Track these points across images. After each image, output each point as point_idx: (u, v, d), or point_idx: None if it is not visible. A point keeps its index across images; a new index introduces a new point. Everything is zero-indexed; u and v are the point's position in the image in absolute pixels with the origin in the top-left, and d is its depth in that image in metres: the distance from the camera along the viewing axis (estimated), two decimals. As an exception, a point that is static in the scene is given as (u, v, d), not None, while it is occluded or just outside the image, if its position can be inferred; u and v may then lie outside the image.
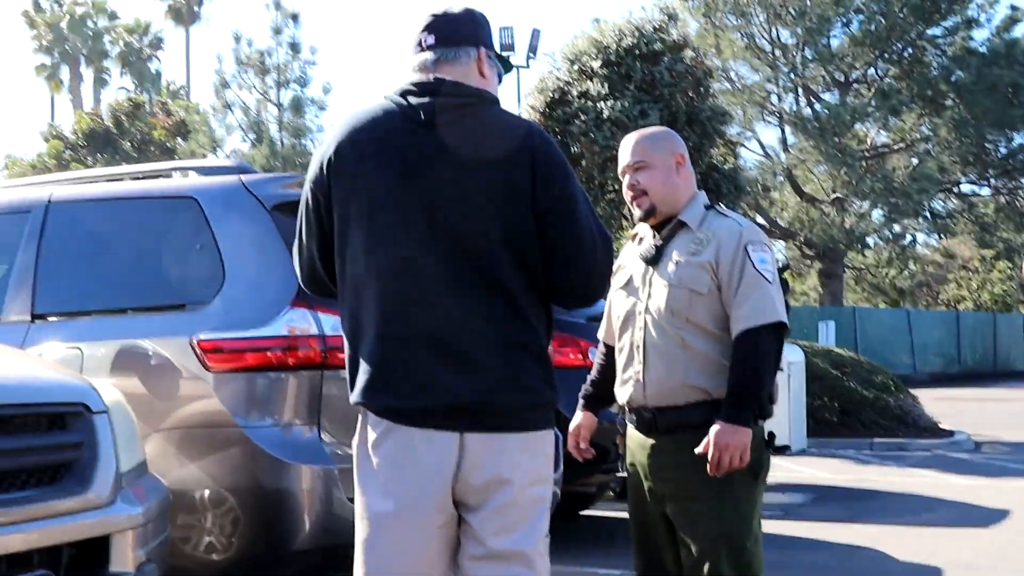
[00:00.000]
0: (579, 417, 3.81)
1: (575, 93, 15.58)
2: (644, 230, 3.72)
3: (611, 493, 9.77)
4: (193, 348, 4.35)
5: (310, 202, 2.97)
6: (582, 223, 2.88)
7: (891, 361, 30.83)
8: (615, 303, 3.72)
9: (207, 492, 4.26)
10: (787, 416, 12.54)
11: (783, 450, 3.70)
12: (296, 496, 4.28)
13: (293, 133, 25.05)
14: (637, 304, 3.59)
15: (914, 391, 16.42)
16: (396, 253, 2.82)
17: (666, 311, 3.50)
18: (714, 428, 3.37)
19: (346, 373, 2.96)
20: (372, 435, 2.88)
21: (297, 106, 24.95)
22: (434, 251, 2.81)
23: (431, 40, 2.97)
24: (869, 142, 31.20)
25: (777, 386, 3.58)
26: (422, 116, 2.88)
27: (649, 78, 15.35)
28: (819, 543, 7.52)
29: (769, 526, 8.16)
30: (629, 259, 3.72)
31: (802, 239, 31.11)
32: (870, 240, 34.50)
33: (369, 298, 2.85)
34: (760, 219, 29.65)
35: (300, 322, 4.36)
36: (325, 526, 4.32)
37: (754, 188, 27.90)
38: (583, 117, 15.20)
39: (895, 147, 31.47)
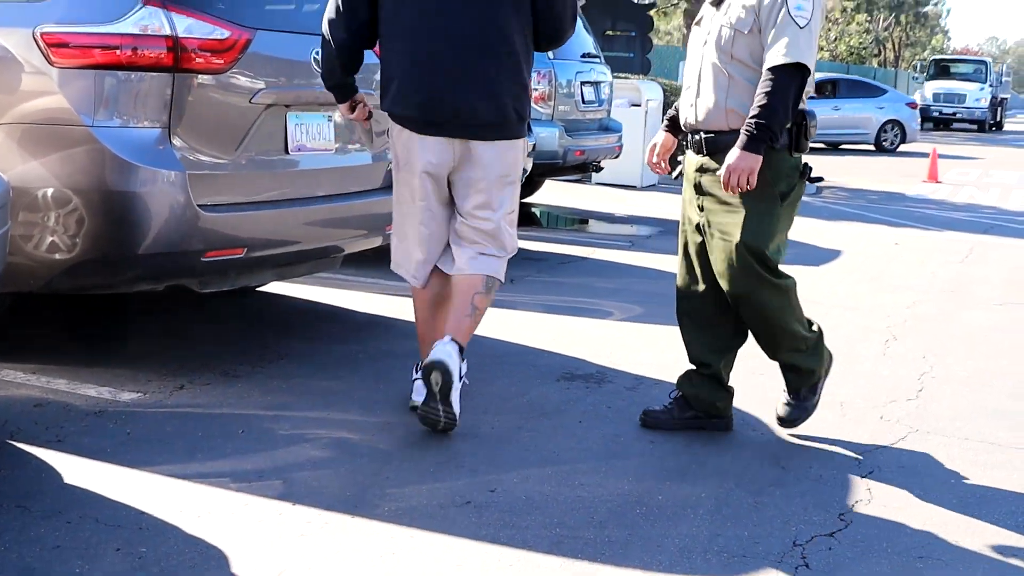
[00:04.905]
0: (660, 136, 4.43)
1: None
2: None
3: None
4: (36, 41, 4.15)
5: None
6: None
7: (745, 105, 31.12)
8: (691, 40, 4.29)
9: (51, 191, 4.15)
10: (641, 151, 12.73)
11: (817, 180, 4.25)
12: (143, 199, 4.20)
13: None
14: (701, 41, 4.15)
15: (765, 135, 16.75)
16: (426, 7, 4.00)
17: (717, 47, 4.05)
18: (730, 152, 3.95)
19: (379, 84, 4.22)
20: (393, 131, 4.20)
21: None
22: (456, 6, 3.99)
23: None
24: None
25: (811, 123, 4.04)
26: None
27: None
28: (659, 272, 7.75)
29: (614, 255, 8.44)
30: (706, 2, 4.25)
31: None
32: (737, -18, 34.23)
33: (402, 33, 4.03)
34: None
35: (152, 20, 4.18)
36: (173, 231, 4.28)
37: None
38: None
39: None
